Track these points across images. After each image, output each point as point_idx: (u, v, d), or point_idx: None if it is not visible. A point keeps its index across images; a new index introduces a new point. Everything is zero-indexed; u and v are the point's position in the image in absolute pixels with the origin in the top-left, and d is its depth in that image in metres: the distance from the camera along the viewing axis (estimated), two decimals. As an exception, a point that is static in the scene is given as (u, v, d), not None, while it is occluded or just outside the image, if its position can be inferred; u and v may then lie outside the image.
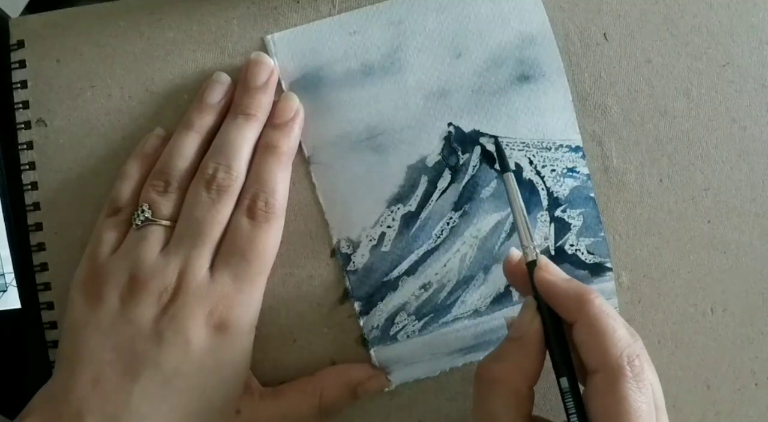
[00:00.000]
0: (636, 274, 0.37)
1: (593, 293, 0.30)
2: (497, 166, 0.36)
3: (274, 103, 0.35)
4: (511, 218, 0.36)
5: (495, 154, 0.36)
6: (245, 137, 0.34)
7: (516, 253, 0.34)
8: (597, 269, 0.37)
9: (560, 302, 0.30)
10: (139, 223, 0.33)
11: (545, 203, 0.37)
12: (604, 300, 0.30)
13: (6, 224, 0.37)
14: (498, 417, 0.30)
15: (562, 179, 0.37)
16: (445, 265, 0.36)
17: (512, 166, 0.36)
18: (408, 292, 0.36)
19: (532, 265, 0.32)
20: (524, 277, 0.33)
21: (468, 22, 0.36)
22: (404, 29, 0.36)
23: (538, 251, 0.33)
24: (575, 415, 0.30)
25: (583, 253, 0.37)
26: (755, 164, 0.37)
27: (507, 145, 0.36)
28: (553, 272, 0.32)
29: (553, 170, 0.37)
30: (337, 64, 0.36)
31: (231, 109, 0.35)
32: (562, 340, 0.31)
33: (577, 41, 0.37)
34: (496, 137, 0.36)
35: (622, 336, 0.29)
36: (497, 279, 0.36)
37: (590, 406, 0.29)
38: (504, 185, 0.34)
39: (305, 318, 0.36)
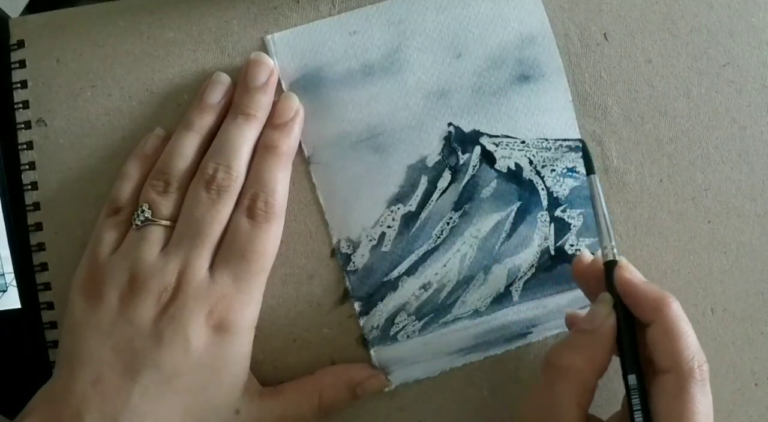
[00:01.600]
0: (636, 274, 0.37)
1: (672, 296, 0.31)
2: (498, 166, 0.36)
3: (274, 103, 0.35)
4: (510, 218, 0.36)
5: (582, 156, 0.36)
6: (245, 137, 0.34)
7: (587, 254, 0.34)
8: (597, 269, 0.37)
9: (639, 302, 0.31)
10: (139, 223, 0.33)
11: (545, 203, 0.37)
12: (683, 313, 0.30)
13: (6, 224, 0.37)
14: (561, 404, 0.30)
15: (562, 179, 0.37)
16: (445, 265, 0.36)
17: (512, 166, 0.37)
18: (408, 292, 0.36)
19: (610, 264, 0.32)
20: (594, 277, 0.33)
21: (468, 22, 0.36)
22: (404, 29, 0.36)
23: (616, 250, 0.33)
24: (640, 413, 0.30)
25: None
26: (755, 164, 0.37)
27: (507, 145, 0.36)
28: (633, 273, 0.32)
29: (553, 170, 0.37)
30: (337, 64, 0.36)
31: (231, 109, 0.35)
32: (634, 339, 0.31)
33: (577, 41, 0.37)
34: (582, 141, 0.36)
35: (695, 342, 0.30)
36: (497, 279, 0.36)
37: (655, 405, 0.29)
38: (589, 186, 0.34)
39: (305, 318, 0.36)
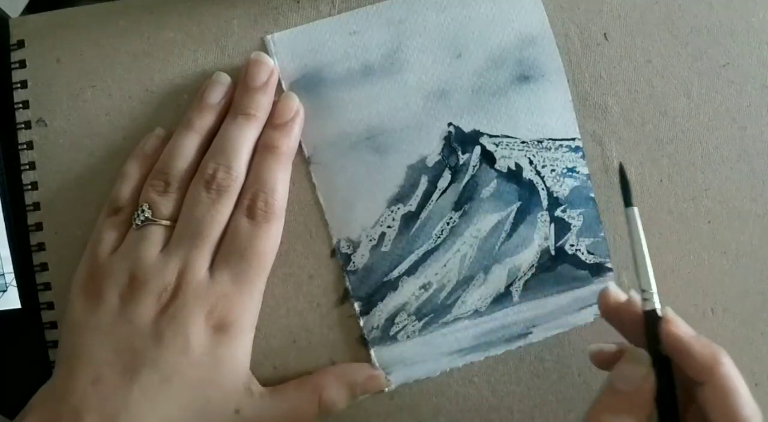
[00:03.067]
0: (636, 274, 0.37)
1: (723, 352, 0.29)
2: (498, 166, 0.36)
3: (274, 103, 0.35)
4: (511, 218, 0.36)
5: (620, 186, 0.33)
6: (245, 137, 0.34)
7: (615, 291, 0.33)
8: (597, 269, 0.37)
9: (690, 362, 0.29)
10: (139, 223, 0.33)
11: (545, 203, 0.37)
12: (731, 360, 0.29)
13: (6, 224, 0.37)
14: None
15: (562, 179, 0.37)
16: (445, 265, 0.36)
17: (512, 166, 0.36)
18: (408, 292, 0.36)
19: (651, 314, 0.31)
20: (630, 319, 0.32)
21: (468, 22, 0.36)
22: (404, 29, 0.36)
23: (657, 298, 0.30)
24: None
25: (583, 253, 0.37)
26: (755, 164, 0.37)
27: (507, 145, 0.36)
28: (681, 328, 0.30)
29: (553, 170, 0.37)
30: (337, 64, 0.36)
31: (231, 109, 0.35)
32: (674, 399, 0.30)
33: (577, 41, 0.37)
34: (621, 164, 0.33)
35: (750, 400, 0.28)
36: (497, 279, 0.36)
37: None
38: (627, 220, 0.32)
39: (305, 318, 0.36)
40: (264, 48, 0.36)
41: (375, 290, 0.36)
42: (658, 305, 0.31)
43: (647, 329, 0.31)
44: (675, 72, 0.37)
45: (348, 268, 0.36)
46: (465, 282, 0.36)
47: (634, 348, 0.31)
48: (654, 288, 0.31)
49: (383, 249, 0.36)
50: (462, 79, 0.36)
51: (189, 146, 0.34)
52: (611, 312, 0.33)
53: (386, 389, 0.36)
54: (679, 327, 0.30)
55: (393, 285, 0.36)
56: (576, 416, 0.37)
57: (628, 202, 0.32)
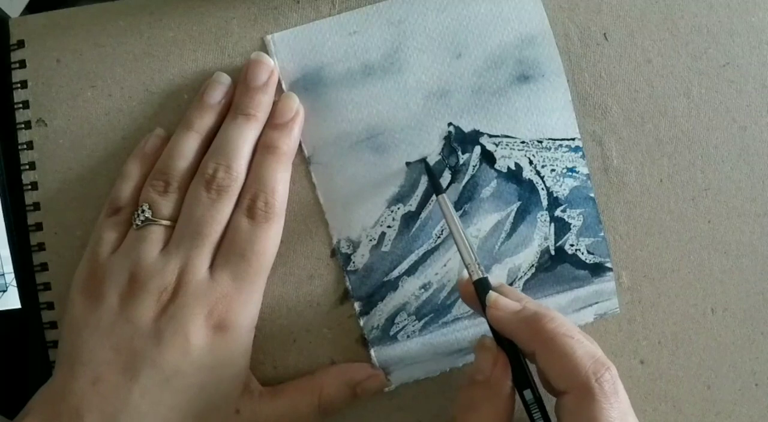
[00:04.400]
0: (636, 274, 0.37)
1: (545, 316, 0.29)
2: (497, 165, 0.36)
3: (274, 104, 0.35)
4: (510, 218, 0.36)
5: (426, 175, 0.35)
6: (245, 137, 0.34)
7: (464, 274, 0.33)
8: (597, 269, 0.37)
9: (516, 335, 0.30)
10: (139, 223, 0.33)
11: (545, 202, 0.37)
12: (560, 320, 0.29)
13: (6, 224, 0.37)
14: None
15: (561, 178, 0.37)
16: (445, 265, 0.36)
17: (512, 166, 0.36)
18: (408, 292, 0.36)
19: (480, 283, 0.32)
20: (475, 299, 0.32)
21: (468, 22, 0.36)
22: (404, 29, 0.36)
23: (482, 268, 0.32)
24: None
25: (583, 253, 0.37)
26: (755, 164, 0.37)
27: (507, 145, 0.36)
28: (502, 307, 0.31)
29: (553, 170, 0.37)
30: (337, 64, 0.36)
31: (231, 109, 0.35)
32: (519, 362, 0.30)
33: (577, 41, 0.37)
34: (425, 159, 0.35)
35: (584, 354, 0.28)
36: (497, 279, 0.36)
37: None
38: (439, 206, 0.34)
39: (305, 318, 0.36)
40: (264, 48, 0.36)
41: (375, 290, 0.36)
42: (480, 274, 0.32)
43: (480, 300, 0.31)
44: (675, 72, 0.37)
45: (348, 268, 0.36)
46: (465, 282, 0.36)
47: (483, 335, 0.31)
48: (477, 259, 0.32)
49: (383, 249, 0.36)
50: (462, 79, 0.36)
51: (189, 146, 0.34)
52: (468, 297, 0.33)
53: (386, 389, 0.36)
54: (500, 307, 0.31)
55: (393, 285, 0.36)
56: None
57: (438, 191, 0.34)
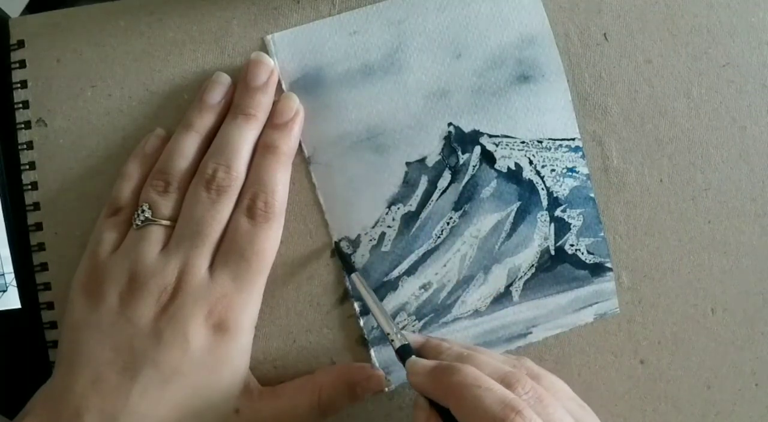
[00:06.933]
0: (636, 274, 0.37)
1: (450, 370, 0.29)
2: (497, 165, 0.36)
3: (274, 103, 0.35)
4: (510, 218, 0.36)
5: (339, 259, 0.36)
6: (245, 137, 0.34)
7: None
8: (597, 269, 0.37)
9: (431, 395, 0.30)
10: (139, 223, 0.33)
11: (545, 203, 0.37)
12: (466, 371, 0.29)
13: (6, 224, 0.37)
14: None
15: (561, 178, 0.37)
16: (445, 265, 0.36)
17: (512, 166, 0.36)
18: (408, 292, 0.36)
19: (401, 350, 0.32)
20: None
21: (468, 22, 0.36)
22: (404, 29, 0.36)
23: (402, 334, 0.33)
24: None
25: (583, 253, 0.37)
26: (755, 164, 0.37)
27: (507, 145, 0.36)
28: (418, 371, 0.31)
29: (553, 170, 0.37)
30: (337, 64, 0.36)
31: (231, 109, 0.35)
32: (452, 419, 0.29)
33: (577, 41, 0.37)
34: (336, 243, 0.36)
35: (492, 402, 0.27)
36: (497, 279, 0.36)
37: None
38: (355, 285, 0.35)
39: (305, 318, 0.36)
40: (264, 48, 0.36)
41: (375, 290, 0.36)
42: (401, 339, 0.33)
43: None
44: (675, 72, 0.37)
45: (348, 268, 0.36)
46: (465, 282, 0.36)
47: (418, 395, 0.31)
48: (394, 328, 0.33)
49: (383, 249, 0.36)
50: (462, 79, 0.36)
51: (189, 146, 0.34)
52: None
53: (386, 389, 0.36)
54: (416, 371, 0.31)
55: (393, 285, 0.36)
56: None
57: (350, 270, 0.35)
